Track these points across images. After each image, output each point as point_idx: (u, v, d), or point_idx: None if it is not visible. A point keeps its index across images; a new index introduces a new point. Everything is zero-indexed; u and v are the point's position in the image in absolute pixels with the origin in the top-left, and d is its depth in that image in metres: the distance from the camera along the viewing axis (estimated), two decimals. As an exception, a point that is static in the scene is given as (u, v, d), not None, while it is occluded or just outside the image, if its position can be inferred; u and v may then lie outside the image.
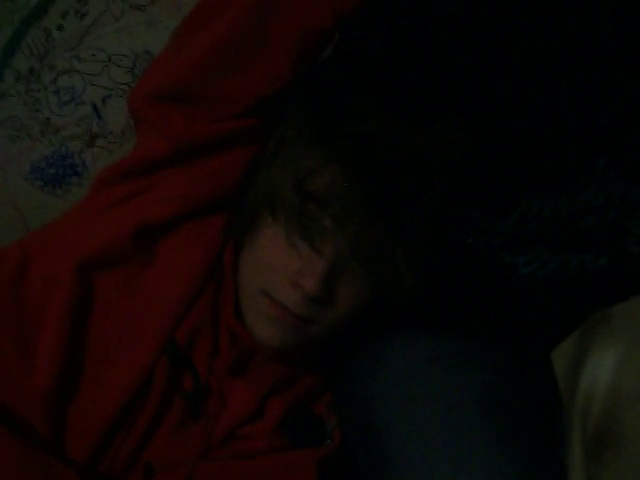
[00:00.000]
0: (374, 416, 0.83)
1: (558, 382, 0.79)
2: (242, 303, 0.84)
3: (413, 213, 0.79)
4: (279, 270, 0.80)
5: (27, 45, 0.95)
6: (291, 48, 0.80)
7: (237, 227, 0.85)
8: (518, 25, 0.77)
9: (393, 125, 0.79)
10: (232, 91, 0.81)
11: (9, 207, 1.03)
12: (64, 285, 0.79)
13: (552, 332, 0.82)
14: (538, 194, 0.83)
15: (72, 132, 1.00)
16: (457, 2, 0.79)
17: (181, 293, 0.82)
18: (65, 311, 0.78)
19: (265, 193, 0.81)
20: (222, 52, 0.80)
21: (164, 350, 0.80)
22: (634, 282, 0.85)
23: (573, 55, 0.78)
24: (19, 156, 1.01)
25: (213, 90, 0.81)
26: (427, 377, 0.82)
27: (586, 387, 0.73)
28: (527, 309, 0.88)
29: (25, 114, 0.99)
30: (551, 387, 0.79)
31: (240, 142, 0.84)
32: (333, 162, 0.78)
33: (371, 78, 0.83)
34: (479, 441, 0.74)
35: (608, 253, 0.86)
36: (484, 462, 0.72)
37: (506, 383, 0.82)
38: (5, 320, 0.78)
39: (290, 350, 0.84)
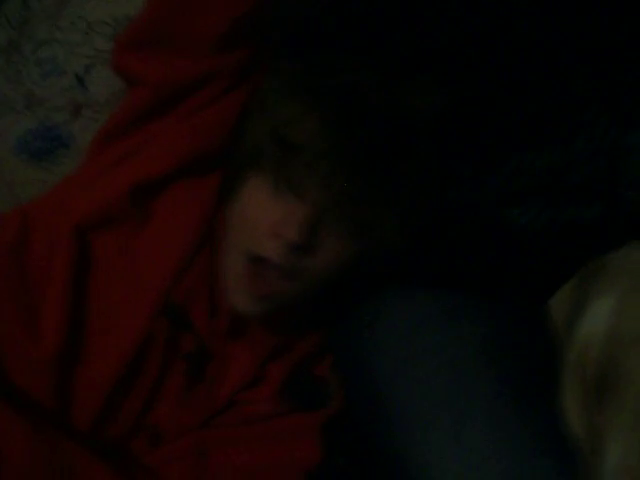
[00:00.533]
0: (375, 373, 0.84)
1: (556, 330, 0.80)
2: (225, 266, 0.83)
3: (397, 166, 0.79)
4: (262, 223, 0.79)
5: (4, 16, 0.94)
6: None
7: (225, 184, 0.84)
8: None
9: (376, 77, 0.79)
10: (202, 26, 0.81)
11: (-2, 180, 1.03)
12: (64, 248, 0.80)
13: (549, 283, 0.82)
14: (529, 146, 0.83)
15: (56, 103, 0.99)
16: None
17: (177, 252, 0.82)
18: (66, 274, 0.79)
19: (248, 145, 0.81)
20: None
21: (163, 311, 0.80)
22: (631, 229, 0.85)
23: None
24: (4, 130, 1.00)
25: (183, 26, 0.81)
26: (426, 332, 0.83)
27: (585, 333, 0.74)
28: (524, 261, 0.88)
29: (7, 87, 0.98)
30: (547, 338, 0.79)
31: (225, 88, 0.84)
32: (313, 111, 0.78)
33: (357, 33, 0.82)
34: (480, 392, 0.75)
35: (602, 201, 0.86)
36: (485, 412, 0.73)
37: (504, 335, 0.83)
38: (9, 288, 0.78)
39: (275, 314, 0.84)
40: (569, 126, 0.84)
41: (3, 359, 0.76)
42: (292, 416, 0.85)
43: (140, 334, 0.79)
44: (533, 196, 0.85)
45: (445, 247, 0.87)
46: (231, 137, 0.84)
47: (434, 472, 0.73)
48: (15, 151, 1.01)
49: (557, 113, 0.84)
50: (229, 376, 0.83)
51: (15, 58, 0.96)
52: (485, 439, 0.71)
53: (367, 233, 0.80)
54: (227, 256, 0.83)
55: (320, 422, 0.85)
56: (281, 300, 0.82)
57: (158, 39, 0.82)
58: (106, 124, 0.87)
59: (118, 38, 0.89)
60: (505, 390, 0.76)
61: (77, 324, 0.78)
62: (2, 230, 0.82)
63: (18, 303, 0.78)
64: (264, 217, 0.79)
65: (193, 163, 0.84)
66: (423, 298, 0.86)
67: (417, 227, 0.82)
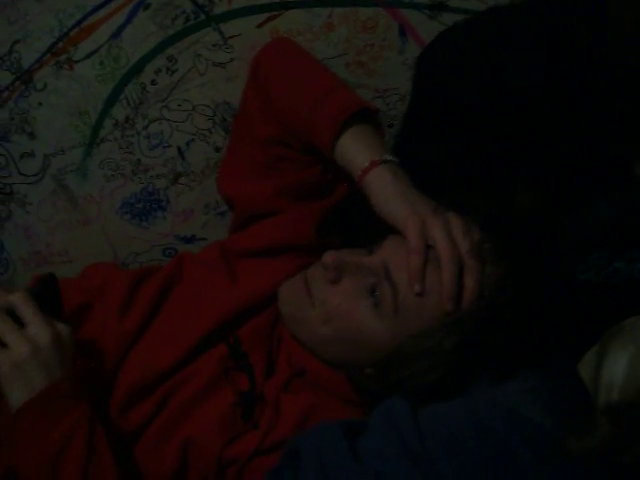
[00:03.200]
0: None
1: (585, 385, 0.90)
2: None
3: None
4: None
5: (125, 97, 1.10)
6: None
7: None
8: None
9: None
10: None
11: (101, 237, 1.19)
12: (166, 266, 1.01)
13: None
14: (605, 192, 0.91)
15: (159, 171, 1.15)
16: None
17: (242, 298, 0.96)
18: (162, 280, 0.98)
19: None
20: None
21: (226, 341, 0.92)
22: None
23: None
24: (112, 192, 1.16)
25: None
26: None
27: (607, 380, 0.85)
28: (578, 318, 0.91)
29: (120, 156, 1.14)
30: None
31: (317, 195, 1.01)
32: None
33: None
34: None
35: None
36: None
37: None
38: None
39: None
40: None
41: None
42: None
43: (194, 340, 0.91)
44: (600, 247, 0.91)
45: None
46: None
47: None
48: (120, 211, 1.17)
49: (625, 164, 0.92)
50: (280, 424, 0.88)
51: (129, 132, 1.12)
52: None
53: None
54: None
55: None
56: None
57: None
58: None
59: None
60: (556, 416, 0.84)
61: (154, 316, 0.95)
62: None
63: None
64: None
65: (278, 247, 1.00)
66: None
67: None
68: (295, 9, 1.08)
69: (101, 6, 1.06)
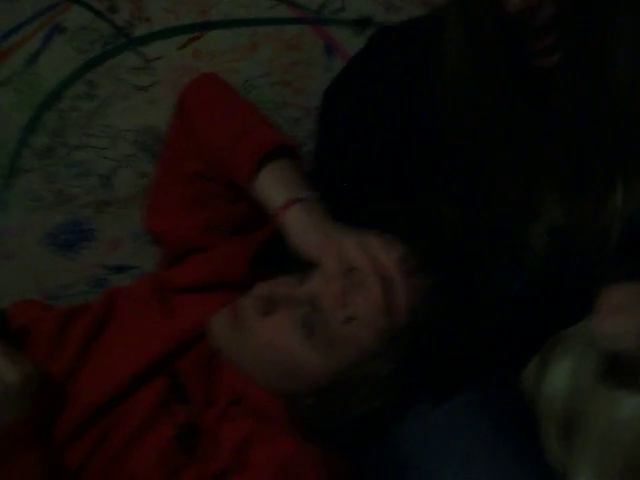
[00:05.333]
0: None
1: (526, 395, 0.91)
2: None
3: None
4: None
5: (44, 125, 1.06)
6: None
7: None
8: None
9: None
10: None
11: (26, 271, 1.14)
12: (97, 303, 0.96)
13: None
14: None
15: (83, 200, 1.12)
16: None
17: (177, 331, 0.93)
18: (93, 318, 0.93)
19: None
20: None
21: (166, 373, 0.89)
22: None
23: None
24: (34, 224, 1.12)
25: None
26: None
27: (549, 391, 0.87)
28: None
29: (41, 186, 1.10)
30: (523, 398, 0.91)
31: (249, 229, 0.99)
32: None
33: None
34: (480, 437, 0.83)
35: None
36: (487, 451, 0.82)
37: (492, 398, 0.91)
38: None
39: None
40: None
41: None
42: None
43: (129, 375, 0.88)
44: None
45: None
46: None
47: None
48: (44, 242, 1.13)
49: None
50: (220, 456, 0.86)
51: (50, 161, 1.08)
52: (488, 474, 0.81)
53: None
54: None
55: None
56: None
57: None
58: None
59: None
60: (501, 436, 0.85)
61: (86, 355, 0.91)
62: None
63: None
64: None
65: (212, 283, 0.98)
66: None
67: None
68: (217, 29, 1.06)
69: (14, 31, 1.02)
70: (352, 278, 0.82)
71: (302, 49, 1.10)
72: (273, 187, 0.89)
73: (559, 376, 0.86)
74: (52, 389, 0.88)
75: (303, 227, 0.86)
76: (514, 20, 0.74)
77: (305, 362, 0.84)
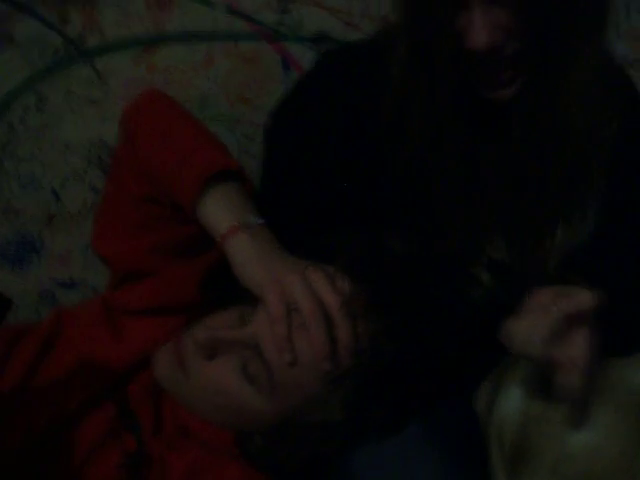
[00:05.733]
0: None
1: (479, 417, 0.91)
2: None
3: None
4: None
5: None
6: None
7: None
8: None
9: None
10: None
11: (-30, 285, 1.11)
12: (44, 323, 0.93)
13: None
14: None
15: (32, 213, 1.09)
16: None
17: (131, 355, 0.90)
18: (40, 338, 0.90)
19: None
20: None
21: (115, 400, 0.87)
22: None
23: None
24: (-20, 238, 1.09)
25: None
26: None
27: (500, 417, 0.86)
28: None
29: (-14, 200, 1.07)
30: (475, 422, 0.90)
31: (196, 251, 0.95)
32: None
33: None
34: (427, 461, 0.83)
35: None
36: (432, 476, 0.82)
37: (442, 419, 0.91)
38: None
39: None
40: None
41: None
42: None
43: (77, 402, 0.85)
44: None
45: None
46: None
47: None
48: (-10, 256, 1.10)
49: None
50: None
51: (-3, 174, 1.06)
52: None
53: None
54: None
55: None
56: None
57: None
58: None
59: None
60: (447, 460, 0.84)
61: (31, 378, 0.87)
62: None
63: None
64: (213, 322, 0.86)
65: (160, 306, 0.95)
66: None
67: None
68: (172, 44, 1.04)
69: (-39, 41, 0.99)
70: (295, 319, 0.79)
71: (259, 64, 1.08)
72: (217, 213, 0.86)
73: (509, 402, 0.86)
74: None
75: (246, 256, 0.83)
76: (473, 54, 0.74)
77: (250, 405, 0.82)
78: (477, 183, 0.86)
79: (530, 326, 0.72)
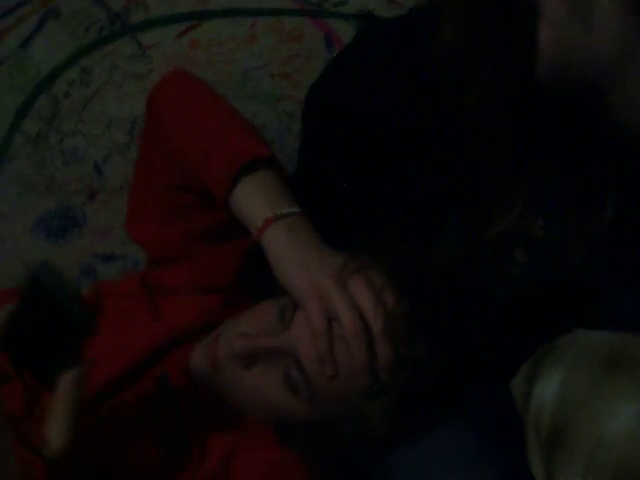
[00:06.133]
0: None
1: (516, 405, 0.90)
2: None
3: None
4: (244, 323, 0.84)
5: (37, 110, 1.05)
6: None
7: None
8: None
9: None
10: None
11: (14, 256, 1.13)
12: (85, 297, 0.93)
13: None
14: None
15: (75, 187, 1.10)
16: None
17: (171, 330, 0.91)
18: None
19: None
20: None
21: (154, 374, 0.86)
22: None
23: None
24: (25, 210, 1.10)
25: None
26: None
27: (537, 403, 0.85)
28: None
29: (32, 172, 1.08)
30: (512, 409, 0.89)
31: (232, 235, 0.94)
32: None
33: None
34: (461, 448, 0.82)
35: None
36: (466, 465, 0.81)
37: (480, 407, 0.90)
38: None
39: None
40: None
41: None
42: None
43: (115, 374, 0.85)
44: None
45: None
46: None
47: None
48: (34, 229, 1.11)
49: None
50: (204, 465, 0.83)
51: (42, 147, 1.07)
52: None
53: None
54: None
55: None
56: None
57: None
58: None
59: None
60: (483, 448, 0.84)
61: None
62: None
63: None
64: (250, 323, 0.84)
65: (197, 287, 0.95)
66: None
67: None
68: (216, 19, 1.04)
69: (7, 13, 1.00)
70: (335, 329, 0.77)
71: (302, 41, 1.07)
72: (250, 205, 0.83)
73: (548, 388, 0.85)
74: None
75: (281, 250, 0.81)
76: None
77: (290, 411, 0.82)
78: (530, 159, 0.83)
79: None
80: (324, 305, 0.77)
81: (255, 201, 0.83)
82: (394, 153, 0.89)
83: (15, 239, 1.12)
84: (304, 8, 1.06)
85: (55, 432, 0.57)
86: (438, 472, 0.81)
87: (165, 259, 0.97)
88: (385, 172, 0.90)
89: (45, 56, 1.03)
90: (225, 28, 1.05)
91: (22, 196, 1.09)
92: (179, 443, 0.83)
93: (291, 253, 0.80)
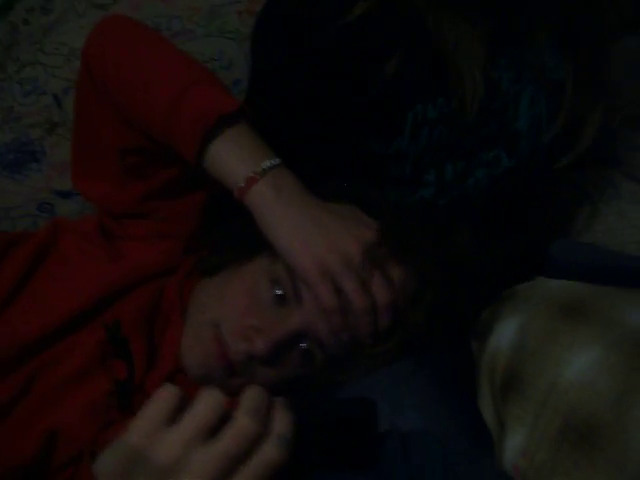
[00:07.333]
0: None
1: (472, 349, 0.90)
2: (187, 324, 0.86)
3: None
4: (239, 314, 0.82)
5: None
6: None
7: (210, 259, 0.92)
8: None
9: None
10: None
11: (-32, 190, 1.10)
12: (40, 233, 0.91)
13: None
14: (419, 99, 0.88)
15: (33, 120, 1.06)
16: None
17: (128, 272, 0.88)
18: (35, 247, 0.88)
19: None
20: None
21: (106, 324, 0.84)
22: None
23: None
24: (-20, 142, 1.06)
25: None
26: None
27: (493, 350, 0.86)
28: None
29: (-11, 102, 1.04)
30: (467, 354, 0.90)
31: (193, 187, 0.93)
32: None
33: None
34: (412, 388, 0.84)
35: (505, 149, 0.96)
36: (417, 404, 0.83)
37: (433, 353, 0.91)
38: None
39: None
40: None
41: None
42: None
43: (67, 314, 0.82)
44: (445, 155, 0.93)
45: None
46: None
47: None
48: (-11, 162, 1.08)
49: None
50: None
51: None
52: (415, 426, 0.81)
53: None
54: (192, 321, 0.86)
55: None
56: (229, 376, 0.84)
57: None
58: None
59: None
60: (433, 389, 0.85)
61: (23, 285, 0.85)
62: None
63: None
64: (245, 312, 0.82)
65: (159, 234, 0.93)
66: None
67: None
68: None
69: None
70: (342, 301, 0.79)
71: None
72: (227, 163, 0.78)
73: (504, 334, 0.86)
74: None
75: (271, 211, 0.77)
76: None
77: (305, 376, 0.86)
78: None
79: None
80: (331, 281, 0.78)
81: (232, 160, 0.79)
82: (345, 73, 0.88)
83: (-31, 172, 1.09)
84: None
85: None
86: (388, 410, 0.82)
87: (123, 216, 0.94)
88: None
89: (3, -19, 0.99)
90: (193, -40, 1.02)
91: (-23, 127, 1.06)
92: (129, 393, 0.82)
93: (282, 214, 0.78)
